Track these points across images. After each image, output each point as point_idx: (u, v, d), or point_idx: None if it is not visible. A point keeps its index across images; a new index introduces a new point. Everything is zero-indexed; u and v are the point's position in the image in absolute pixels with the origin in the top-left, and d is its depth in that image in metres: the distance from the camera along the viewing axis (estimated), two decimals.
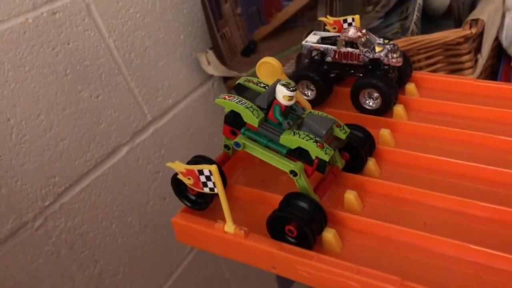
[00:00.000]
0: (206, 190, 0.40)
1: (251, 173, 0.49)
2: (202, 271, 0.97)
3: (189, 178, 0.40)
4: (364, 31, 0.52)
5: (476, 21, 0.83)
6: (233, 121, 0.45)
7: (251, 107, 0.44)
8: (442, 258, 0.38)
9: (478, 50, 0.85)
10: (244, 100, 0.44)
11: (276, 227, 0.41)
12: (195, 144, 0.92)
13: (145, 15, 0.81)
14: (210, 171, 0.39)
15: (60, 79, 0.69)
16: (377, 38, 0.52)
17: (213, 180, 0.39)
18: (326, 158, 0.41)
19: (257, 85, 0.46)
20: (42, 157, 0.68)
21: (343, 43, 0.53)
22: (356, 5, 1.01)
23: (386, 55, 0.51)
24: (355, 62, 0.53)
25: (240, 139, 0.45)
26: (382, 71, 0.52)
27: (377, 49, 0.51)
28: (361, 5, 1.02)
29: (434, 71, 0.84)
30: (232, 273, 1.03)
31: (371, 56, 0.52)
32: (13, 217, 0.65)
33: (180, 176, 0.41)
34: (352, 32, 0.52)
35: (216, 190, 0.40)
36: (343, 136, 0.44)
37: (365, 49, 0.52)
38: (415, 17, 1.01)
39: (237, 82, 0.47)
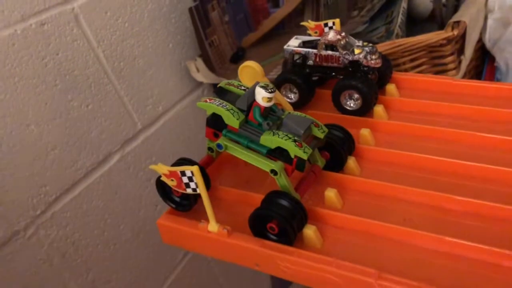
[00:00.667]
0: (189, 190, 0.41)
1: (236, 175, 0.50)
2: (196, 277, 0.97)
3: (172, 180, 0.41)
4: (343, 34, 0.53)
5: (458, 23, 0.84)
6: (215, 123, 0.46)
7: (231, 109, 0.45)
8: (419, 251, 0.39)
9: (461, 51, 0.86)
10: (225, 103, 0.45)
11: (258, 225, 0.42)
12: (186, 151, 0.92)
13: (133, 25, 0.82)
14: (192, 172, 0.40)
15: (50, 89, 0.70)
16: (356, 41, 0.54)
17: (195, 180, 0.40)
18: (305, 156, 0.42)
19: (237, 88, 0.48)
20: (32, 166, 0.69)
21: (323, 46, 0.54)
22: (342, 11, 1.03)
23: (365, 57, 0.52)
24: (335, 64, 0.54)
25: (222, 140, 0.46)
26: (362, 72, 0.53)
27: (356, 51, 0.52)
28: (346, 10, 1.03)
29: (419, 72, 0.85)
30: (226, 278, 1.03)
31: (350, 58, 0.53)
32: (4, 226, 0.66)
33: (163, 178, 0.42)
34: (331, 35, 0.53)
35: (198, 191, 0.41)
36: (321, 135, 0.45)
37: (345, 52, 0.53)
38: (399, 20, 1.03)
39: (218, 85, 0.48)
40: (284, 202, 0.41)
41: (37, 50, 0.68)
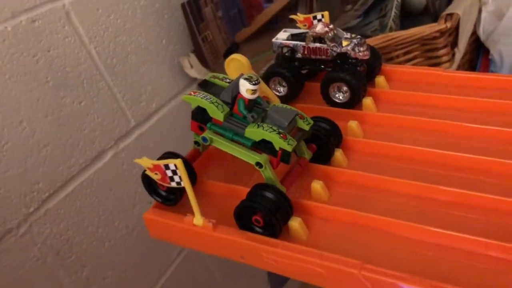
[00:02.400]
0: (173, 184, 0.41)
1: (223, 169, 0.50)
2: (191, 274, 0.97)
3: (156, 173, 0.41)
4: (331, 26, 0.53)
5: (451, 15, 0.84)
6: (200, 116, 0.46)
7: (216, 102, 0.45)
8: (406, 242, 0.39)
9: (455, 44, 0.86)
10: (209, 96, 0.45)
11: (243, 218, 0.42)
12: (180, 148, 0.91)
13: (125, 21, 0.82)
14: (175, 165, 0.40)
15: (42, 86, 0.70)
16: (344, 33, 0.53)
17: (179, 174, 0.40)
18: (289, 148, 0.41)
19: (222, 80, 0.48)
20: (25, 163, 0.69)
21: (311, 38, 0.54)
22: (335, 5, 1.02)
23: (353, 49, 0.52)
24: (323, 57, 0.54)
25: (207, 134, 0.46)
26: (350, 64, 0.52)
27: (344, 43, 0.52)
28: (339, 4, 1.03)
29: (412, 65, 0.85)
30: (222, 274, 1.03)
31: (338, 50, 0.53)
32: None
33: (148, 172, 0.42)
34: (319, 28, 0.53)
35: (183, 184, 0.40)
36: (306, 127, 0.44)
37: (333, 44, 0.53)
38: (393, 14, 1.03)
39: (203, 79, 0.48)
40: (269, 194, 0.41)
41: (28, 47, 0.68)
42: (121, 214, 0.83)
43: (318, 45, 0.53)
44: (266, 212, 0.40)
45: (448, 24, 0.81)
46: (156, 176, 0.41)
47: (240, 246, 0.40)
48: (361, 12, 1.01)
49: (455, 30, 0.86)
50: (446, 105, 0.54)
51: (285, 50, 0.56)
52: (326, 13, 0.57)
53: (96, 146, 0.78)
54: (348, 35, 0.53)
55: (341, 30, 0.53)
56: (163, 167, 0.40)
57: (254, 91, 0.43)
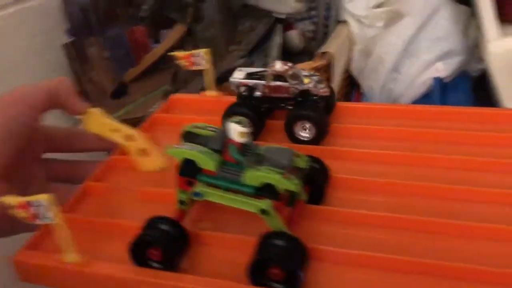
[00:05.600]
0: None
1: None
2: None
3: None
4: (289, 64, 0.52)
5: (324, 53, 0.94)
6: (188, 170, 0.41)
7: (205, 151, 0.40)
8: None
9: (330, 80, 0.96)
10: (196, 146, 0.41)
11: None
12: None
13: (3, 62, 0.71)
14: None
15: None
16: (302, 71, 0.53)
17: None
18: (295, 188, 0.39)
19: (204, 129, 0.43)
20: None
21: (272, 77, 0.53)
22: (220, 45, 1.04)
23: (315, 86, 0.52)
24: (285, 95, 0.53)
25: (199, 187, 0.41)
26: (311, 101, 0.52)
27: (306, 80, 0.52)
28: (224, 45, 1.05)
29: None
30: None
31: (300, 88, 0.52)
32: None
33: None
34: (278, 66, 0.52)
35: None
36: (304, 164, 0.43)
37: (295, 82, 0.52)
38: (275, 54, 1.08)
39: (185, 130, 0.43)
40: (280, 243, 0.38)
41: None
42: None
43: (279, 83, 0.52)
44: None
45: (323, 62, 0.91)
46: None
47: None
48: (246, 52, 1.04)
49: (330, 67, 0.95)
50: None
51: (242, 89, 0.54)
52: (207, 50, 0.57)
53: None
54: (307, 73, 0.53)
55: (297, 68, 0.53)
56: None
57: (246, 134, 0.40)
